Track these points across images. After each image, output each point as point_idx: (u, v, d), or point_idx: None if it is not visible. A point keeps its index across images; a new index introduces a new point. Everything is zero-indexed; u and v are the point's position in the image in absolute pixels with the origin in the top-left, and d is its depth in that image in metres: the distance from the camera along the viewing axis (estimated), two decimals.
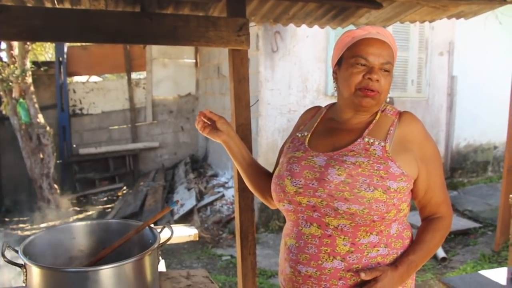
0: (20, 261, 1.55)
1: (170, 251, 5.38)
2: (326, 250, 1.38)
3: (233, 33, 2.34)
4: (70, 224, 1.87)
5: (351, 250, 1.37)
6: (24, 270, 1.55)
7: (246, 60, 2.45)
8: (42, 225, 6.84)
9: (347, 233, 1.37)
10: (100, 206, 7.72)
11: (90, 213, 7.28)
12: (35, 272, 1.50)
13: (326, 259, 1.38)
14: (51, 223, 6.82)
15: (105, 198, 8.41)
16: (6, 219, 7.26)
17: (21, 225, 6.99)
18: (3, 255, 1.57)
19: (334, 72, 1.56)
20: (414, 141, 1.44)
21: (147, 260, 1.62)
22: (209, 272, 4.99)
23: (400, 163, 1.39)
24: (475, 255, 4.84)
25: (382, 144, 1.42)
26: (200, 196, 7.09)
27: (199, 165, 9.17)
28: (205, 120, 1.66)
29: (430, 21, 3.38)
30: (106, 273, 1.51)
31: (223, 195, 6.89)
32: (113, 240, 1.80)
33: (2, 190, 8.50)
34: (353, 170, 1.37)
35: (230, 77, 2.47)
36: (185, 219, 6.47)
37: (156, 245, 1.64)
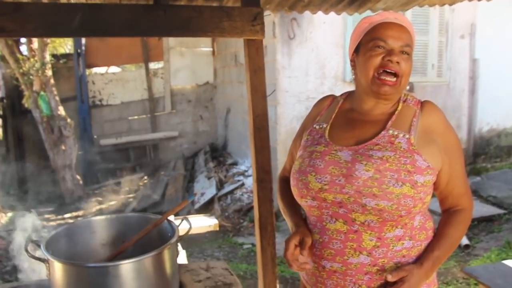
0: (44, 256, 1.58)
1: (192, 240, 5.42)
2: (352, 245, 1.36)
3: (248, 23, 2.31)
4: (91, 218, 1.89)
5: (377, 244, 1.36)
6: (47, 264, 1.58)
7: (261, 50, 2.41)
8: (66, 215, 6.98)
9: (374, 228, 1.35)
10: (122, 196, 7.82)
11: (112, 203, 7.38)
12: (58, 267, 1.53)
13: (352, 254, 1.37)
14: (74, 214, 6.96)
15: (126, 188, 8.52)
16: (32, 210, 7.41)
17: (46, 216, 7.14)
18: (27, 251, 1.61)
19: (351, 60, 1.52)
20: (437, 131, 1.41)
21: (166, 254, 1.64)
22: (230, 260, 5.06)
23: (426, 156, 1.37)
24: (500, 242, 4.75)
25: (407, 136, 1.39)
26: (220, 185, 7.13)
27: (218, 154, 9.20)
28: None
29: (450, 4, 3.28)
30: (126, 267, 1.53)
31: (243, 184, 6.91)
32: (133, 233, 1.82)
33: (27, 182, 8.69)
34: (381, 165, 1.34)
35: (246, 67, 2.45)
36: (206, 208, 6.52)
37: (174, 239, 1.65)
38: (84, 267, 1.54)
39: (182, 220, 1.82)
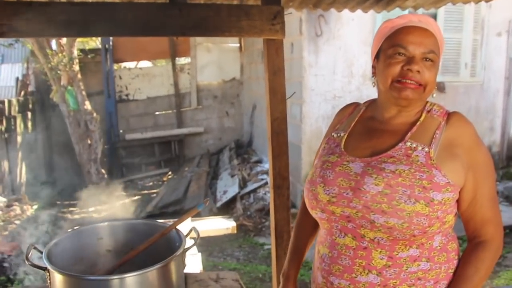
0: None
1: (212, 240, 5.37)
2: (361, 263, 1.27)
3: (267, 22, 2.21)
4: (97, 224, 1.84)
5: (388, 264, 1.25)
6: (48, 274, 1.52)
7: (281, 50, 2.31)
8: (90, 209, 7.04)
9: (384, 246, 1.25)
10: (146, 191, 7.85)
11: (135, 198, 7.42)
12: (58, 278, 1.48)
13: (361, 272, 1.27)
14: (98, 207, 7.01)
15: (150, 183, 8.55)
16: (58, 202, 7.53)
17: (71, 209, 7.23)
18: (27, 259, 1.55)
19: (373, 66, 1.41)
20: (463, 145, 1.28)
21: (172, 266, 1.57)
22: (250, 261, 4.98)
23: (445, 171, 1.24)
24: None
25: (426, 149, 1.27)
26: (243, 183, 7.06)
27: (243, 151, 9.14)
28: None
29: (487, 1, 3.11)
30: (130, 280, 1.46)
31: (266, 183, 6.81)
32: (140, 240, 1.76)
33: (54, 175, 8.84)
34: (392, 180, 1.23)
35: (265, 68, 2.35)
36: (228, 206, 6.46)
37: (180, 251, 1.58)
38: (84, 280, 1.48)
39: (191, 230, 1.74)
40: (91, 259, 1.79)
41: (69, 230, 1.77)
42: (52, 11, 1.84)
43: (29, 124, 8.50)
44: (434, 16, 6.21)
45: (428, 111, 1.36)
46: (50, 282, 1.52)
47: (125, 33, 1.98)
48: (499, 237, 1.34)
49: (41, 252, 1.57)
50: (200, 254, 3.32)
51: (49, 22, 1.84)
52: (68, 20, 1.84)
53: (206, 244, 5.19)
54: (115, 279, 1.46)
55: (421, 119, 1.34)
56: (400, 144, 1.31)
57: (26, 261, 1.54)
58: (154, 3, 2.09)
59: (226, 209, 6.39)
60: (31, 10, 1.84)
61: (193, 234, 1.74)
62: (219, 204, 6.50)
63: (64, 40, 7.31)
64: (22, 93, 9.10)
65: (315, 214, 1.39)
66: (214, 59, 9.99)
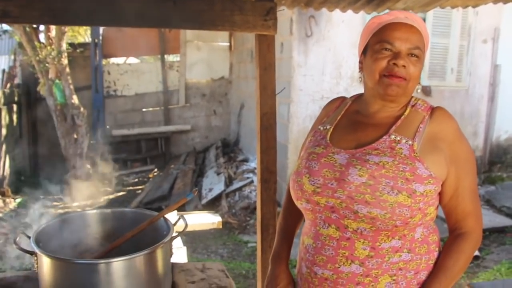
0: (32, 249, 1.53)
1: (197, 236, 5.38)
2: (344, 253, 1.30)
3: (260, 18, 2.24)
4: (85, 212, 1.85)
5: (371, 254, 1.29)
6: (35, 258, 1.53)
7: (272, 46, 2.35)
8: (75, 203, 6.99)
9: (367, 237, 1.29)
10: (131, 187, 7.82)
11: (120, 194, 7.38)
12: (46, 262, 1.49)
13: (344, 263, 1.30)
14: (82, 202, 6.97)
15: (136, 180, 8.51)
16: (41, 196, 7.46)
17: (55, 203, 7.17)
18: (15, 243, 1.56)
19: (360, 61, 1.45)
20: (445, 139, 1.32)
21: (159, 253, 1.58)
22: (234, 258, 5.00)
23: (428, 164, 1.28)
24: (511, 255, 4.61)
25: (410, 142, 1.31)
26: (229, 181, 7.07)
27: (230, 149, 9.15)
28: None
29: (474, 7, 3.17)
30: (117, 265, 1.48)
31: (252, 181, 6.84)
32: (128, 228, 1.77)
33: (38, 169, 8.74)
34: (376, 171, 1.26)
35: (256, 64, 2.38)
36: (213, 204, 6.47)
37: (168, 238, 1.60)
38: (72, 263, 1.49)
39: (179, 218, 1.76)
40: (79, 245, 1.80)
41: (58, 216, 1.78)
42: None
43: (14, 116, 8.40)
44: (423, 21, 6.31)
45: (413, 106, 1.40)
46: (37, 267, 1.53)
47: (121, 23, 1.99)
48: (479, 229, 1.38)
49: (29, 237, 1.58)
50: (185, 248, 3.33)
51: (43, 9, 1.84)
52: (64, 8, 1.85)
53: (191, 241, 5.20)
54: (102, 263, 1.47)
55: (406, 113, 1.38)
56: (384, 137, 1.34)
57: (14, 245, 1.54)
58: None
59: (212, 206, 6.40)
60: None
61: (180, 225, 1.76)
62: (204, 201, 6.51)
63: (53, 33, 7.24)
64: (8, 85, 8.98)
65: (300, 204, 1.42)
66: (204, 57, 9.99)
